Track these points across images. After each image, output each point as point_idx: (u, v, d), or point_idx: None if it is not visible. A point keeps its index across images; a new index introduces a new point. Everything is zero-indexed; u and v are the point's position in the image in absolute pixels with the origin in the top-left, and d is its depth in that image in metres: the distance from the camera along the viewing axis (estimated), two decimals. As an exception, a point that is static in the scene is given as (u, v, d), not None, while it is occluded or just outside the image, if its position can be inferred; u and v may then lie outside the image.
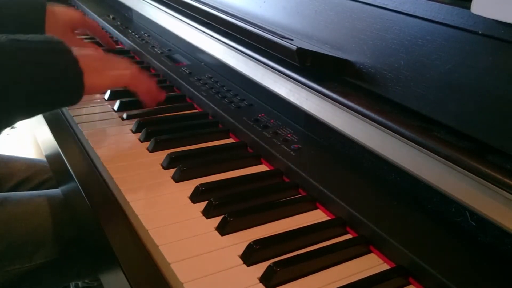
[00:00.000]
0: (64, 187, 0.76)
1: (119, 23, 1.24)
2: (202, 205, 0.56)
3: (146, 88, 0.74)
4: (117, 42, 1.16)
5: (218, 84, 0.86)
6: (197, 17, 0.90)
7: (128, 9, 1.29)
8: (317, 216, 0.57)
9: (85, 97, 0.71)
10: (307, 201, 0.58)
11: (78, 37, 0.94)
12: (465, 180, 0.47)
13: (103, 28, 1.19)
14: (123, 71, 0.71)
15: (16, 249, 0.77)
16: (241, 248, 0.49)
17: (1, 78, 0.57)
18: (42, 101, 0.61)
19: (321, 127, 0.66)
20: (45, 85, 0.60)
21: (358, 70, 0.62)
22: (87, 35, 1.05)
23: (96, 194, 0.61)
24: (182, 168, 0.61)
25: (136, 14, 1.25)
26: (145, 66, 1.00)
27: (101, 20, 1.27)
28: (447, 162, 0.47)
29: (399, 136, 0.52)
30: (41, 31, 0.83)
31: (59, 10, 0.89)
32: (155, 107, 0.78)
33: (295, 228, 0.53)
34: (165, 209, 0.55)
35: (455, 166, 0.47)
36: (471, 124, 0.48)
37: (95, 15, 1.32)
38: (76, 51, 0.64)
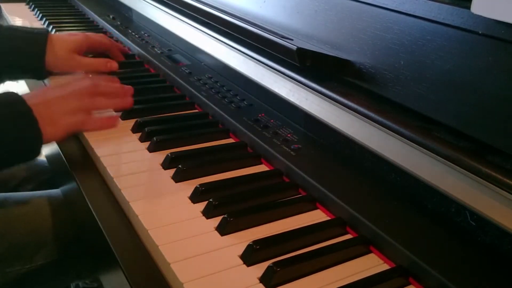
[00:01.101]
0: (64, 187, 0.76)
1: (119, 23, 1.24)
2: (202, 205, 0.56)
3: (96, 125, 0.72)
4: (116, 40, 1.16)
5: (218, 84, 0.86)
6: (197, 17, 0.90)
7: (128, 9, 1.29)
8: (317, 216, 0.57)
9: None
10: (307, 201, 0.58)
11: (86, 56, 0.94)
12: (465, 180, 0.47)
13: (107, 32, 1.19)
14: (73, 115, 0.68)
15: (16, 250, 0.77)
16: (241, 248, 0.49)
17: None
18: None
19: (321, 127, 0.66)
20: (4, 147, 0.61)
21: (358, 70, 0.62)
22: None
23: (96, 194, 0.61)
24: (182, 168, 0.61)
25: (136, 14, 1.25)
26: (145, 67, 1.00)
27: (101, 20, 1.27)
28: (447, 162, 0.48)
29: (399, 136, 0.52)
30: (42, 60, 0.86)
31: (60, 38, 0.91)
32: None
33: (295, 228, 0.53)
34: (165, 209, 0.55)
35: (455, 166, 0.47)
36: (471, 124, 0.48)
37: (95, 15, 1.32)
38: (32, 99, 0.65)
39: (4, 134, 0.61)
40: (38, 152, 0.65)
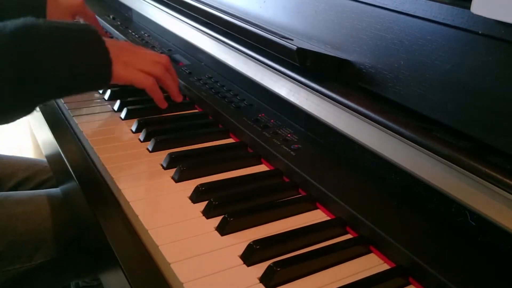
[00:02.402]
0: (64, 187, 0.76)
1: (119, 23, 1.24)
2: (202, 205, 0.56)
3: (160, 97, 0.75)
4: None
5: (218, 84, 0.86)
6: (197, 17, 0.90)
7: (128, 9, 1.29)
8: (317, 216, 0.57)
9: (84, 97, 0.71)
10: (307, 201, 0.58)
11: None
12: (465, 180, 0.47)
13: (107, 31, 1.19)
14: (146, 76, 0.72)
15: (16, 248, 0.77)
16: (241, 248, 0.49)
17: (36, 61, 0.59)
18: (71, 85, 0.65)
19: (321, 127, 0.66)
20: (76, 71, 0.63)
21: (358, 70, 0.62)
22: None
23: (96, 194, 0.61)
24: (182, 168, 0.61)
25: (136, 14, 1.25)
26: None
27: (101, 20, 1.27)
28: (447, 162, 0.48)
29: (399, 136, 0.52)
30: (43, 14, 0.86)
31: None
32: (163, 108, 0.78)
33: (295, 228, 0.53)
34: (165, 209, 0.55)
35: (455, 166, 0.47)
36: (471, 124, 0.48)
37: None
38: (108, 41, 0.67)
39: (77, 55, 0.63)
40: (107, 80, 0.67)
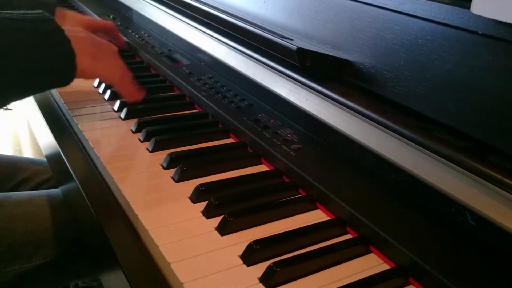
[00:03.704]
0: (64, 187, 0.76)
1: (119, 23, 1.24)
2: (202, 205, 0.56)
3: (128, 91, 0.75)
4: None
5: (218, 84, 0.86)
6: (197, 17, 0.90)
7: (128, 9, 1.29)
8: (317, 216, 0.57)
9: (85, 97, 0.71)
10: (307, 201, 0.58)
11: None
12: (465, 180, 0.47)
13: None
14: (115, 68, 0.71)
15: (16, 249, 0.77)
16: (241, 248, 0.49)
17: None
18: (32, 81, 0.61)
19: (321, 127, 0.66)
20: (36, 65, 0.59)
21: (358, 70, 0.62)
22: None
23: (96, 194, 0.61)
24: (182, 168, 0.61)
25: (136, 14, 1.25)
26: (145, 67, 1.00)
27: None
28: (447, 162, 0.47)
29: (399, 136, 0.52)
30: None
31: (68, 12, 0.91)
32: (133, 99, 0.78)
33: (295, 228, 0.53)
34: (165, 209, 0.55)
35: (455, 166, 0.47)
36: (471, 124, 0.48)
37: (95, 15, 1.32)
38: (70, 32, 0.63)
39: (35, 50, 0.60)
40: (71, 75, 0.64)
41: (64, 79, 0.64)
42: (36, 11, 0.63)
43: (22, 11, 0.61)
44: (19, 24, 0.59)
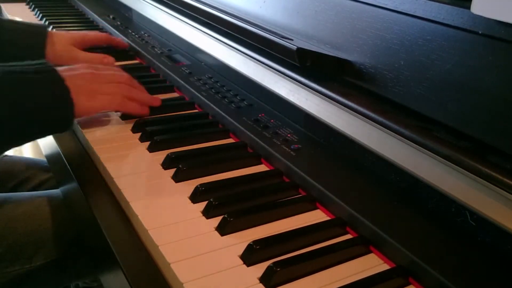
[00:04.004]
0: (64, 187, 0.76)
1: (119, 23, 1.24)
2: (202, 205, 0.56)
3: (134, 108, 0.75)
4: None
5: (218, 84, 0.86)
6: (197, 17, 0.90)
7: (128, 9, 1.29)
8: (317, 216, 0.57)
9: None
10: (307, 201, 0.58)
11: (84, 51, 0.97)
12: (465, 180, 0.47)
13: (106, 32, 1.19)
14: (113, 96, 0.71)
15: (16, 250, 0.77)
16: (241, 248, 0.49)
17: None
18: (32, 131, 0.64)
19: (321, 127, 0.66)
20: (36, 116, 0.62)
21: (358, 70, 0.62)
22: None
23: (96, 194, 0.61)
24: (182, 168, 0.61)
25: (136, 14, 1.25)
26: (145, 66, 1.01)
27: (101, 20, 1.27)
28: (447, 162, 0.47)
29: (399, 136, 0.52)
30: (42, 51, 0.89)
31: (59, 32, 0.96)
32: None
33: (295, 228, 0.53)
34: (165, 209, 0.55)
35: (455, 166, 0.47)
36: (471, 124, 0.48)
37: (95, 15, 1.32)
38: (66, 72, 0.66)
39: (36, 101, 0.62)
40: (69, 123, 0.66)
41: (63, 127, 0.67)
42: (37, 62, 0.66)
43: (23, 63, 0.64)
44: (19, 76, 0.62)
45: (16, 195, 0.85)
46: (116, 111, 0.75)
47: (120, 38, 1.14)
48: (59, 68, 0.67)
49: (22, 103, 0.61)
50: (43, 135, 0.68)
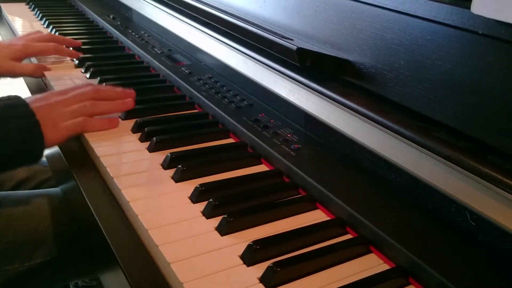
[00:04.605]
0: (63, 186, 0.76)
1: (119, 23, 1.24)
2: (202, 205, 0.56)
3: (101, 124, 0.73)
4: (117, 41, 1.16)
5: (218, 84, 0.86)
6: (197, 17, 0.90)
7: (128, 9, 1.29)
8: (317, 216, 0.57)
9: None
10: (307, 201, 0.58)
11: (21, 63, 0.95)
12: (465, 180, 0.47)
13: (106, 31, 1.19)
14: (74, 122, 0.69)
15: (15, 248, 0.77)
16: (241, 248, 0.49)
17: None
18: (1, 164, 0.64)
19: (321, 127, 0.66)
20: (6, 150, 0.62)
21: (358, 70, 0.62)
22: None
23: (96, 194, 0.61)
24: (182, 168, 0.61)
25: (136, 14, 1.25)
26: (145, 67, 1.01)
27: (101, 20, 1.27)
28: (447, 162, 0.47)
29: (399, 136, 0.52)
30: None
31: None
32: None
33: (295, 228, 0.53)
34: (165, 209, 0.55)
35: (455, 166, 0.47)
36: (471, 124, 0.48)
37: (95, 15, 1.32)
38: (36, 103, 0.66)
39: (6, 136, 0.62)
40: (40, 155, 0.66)
41: (35, 158, 0.66)
42: (8, 96, 0.66)
43: None
44: None
45: (16, 194, 0.85)
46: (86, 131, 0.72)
47: (121, 38, 1.14)
48: (29, 99, 0.67)
49: None
50: (11, 167, 0.68)
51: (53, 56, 1.01)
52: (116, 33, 1.17)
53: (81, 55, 1.03)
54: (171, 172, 0.62)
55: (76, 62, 1.00)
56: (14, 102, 0.65)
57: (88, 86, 0.75)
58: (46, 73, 0.93)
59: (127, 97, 0.78)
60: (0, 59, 0.91)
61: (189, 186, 0.59)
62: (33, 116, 0.64)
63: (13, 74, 0.93)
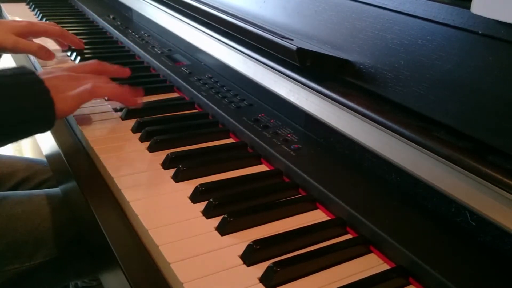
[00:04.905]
0: (64, 187, 0.76)
1: (119, 23, 1.24)
2: (202, 205, 0.56)
3: (111, 91, 0.73)
4: (117, 41, 1.16)
5: (218, 84, 0.86)
6: (197, 17, 0.90)
7: (128, 9, 1.29)
8: (317, 216, 0.57)
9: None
10: (307, 201, 0.58)
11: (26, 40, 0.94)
12: (465, 180, 0.47)
13: (106, 31, 1.19)
14: (82, 88, 0.69)
15: (15, 248, 0.77)
16: (241, 248, 0.49)
17: None
18: (14, 132, 0.63)
19: (321, 127, 0.66)
20: (19, 117, 0.61)
21: (358, 70, 0.62)
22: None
23: (96, 194, 0.61)
24: (182, 168, 0.61)
25: (136, 14, 1.25)
26: (145, 67, 1.01)
27: (101, 20, 1.27)
28: (447, 162, 0.47)
29: (399, 136, 0.52)
30: None
31: (2, 20, 0.94)
32: (138, 101, 0.77)
33: (295, 228, 0.53)
34: (165, 209, 0.55)
35: (455, 166, 0.47)
36: (471, 124, 0.48)
37: (95, 15, 1.32)
38: (44, 76, 0.65)
39: (18, 102, 0.61)
40: (52, 122, 0.65)
41: (46, 127, 0.66)
42: (14, 67, 0.65)
43: (3, 69, 0.64)
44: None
45: (16, 194, 0.85)
46: (96, 98, 0.73)
47: (121, 38, 1.14)
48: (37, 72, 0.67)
49: (5, 105, 0.60)
50: (25, 136, 0.66)
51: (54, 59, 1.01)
52: (116, 33, 1.17)
53: (84, 47, 1.03)
54: (171, 172, 0.62)
55: (77, 62, 1.00)
56: (22, 70, 0.65)
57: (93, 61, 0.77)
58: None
59: (137, 95, 0.78)
60: (3, 32, 0.90)
61: (189, 186, 0.59)
62: (42, 83, 0.63)
63: (16, 50, 0.91)
